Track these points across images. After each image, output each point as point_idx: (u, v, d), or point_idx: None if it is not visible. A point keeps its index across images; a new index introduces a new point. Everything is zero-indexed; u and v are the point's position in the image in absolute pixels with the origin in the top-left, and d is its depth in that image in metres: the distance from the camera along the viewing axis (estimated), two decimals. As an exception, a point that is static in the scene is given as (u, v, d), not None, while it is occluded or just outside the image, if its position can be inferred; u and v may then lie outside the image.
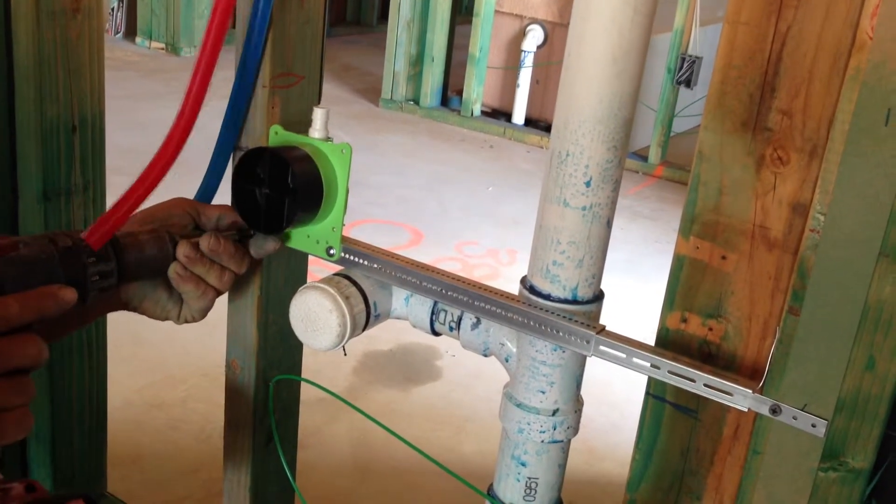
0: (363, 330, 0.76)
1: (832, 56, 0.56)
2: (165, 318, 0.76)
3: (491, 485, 0.77)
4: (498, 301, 0.70)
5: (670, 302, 0.67)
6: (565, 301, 0.68)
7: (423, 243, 2.54)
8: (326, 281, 0.75)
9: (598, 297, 0.70)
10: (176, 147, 0.71)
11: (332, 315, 0.72)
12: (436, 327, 0.77)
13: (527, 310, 0.68)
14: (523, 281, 0.71)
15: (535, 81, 3.88)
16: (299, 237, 0.77)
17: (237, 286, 0.87)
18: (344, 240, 0.76)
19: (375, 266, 0.75)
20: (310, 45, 0.82)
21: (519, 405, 0.72)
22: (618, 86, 0.63)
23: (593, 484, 1.52)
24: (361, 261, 0.76)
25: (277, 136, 0.76)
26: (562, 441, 0.73)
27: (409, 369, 1.82)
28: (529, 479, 0.74)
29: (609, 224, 0.68)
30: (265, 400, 0.90)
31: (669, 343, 0.67)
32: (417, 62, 4.08)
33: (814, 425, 0.57)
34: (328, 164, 0.74)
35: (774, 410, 0.59)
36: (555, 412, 0.71)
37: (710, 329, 0.66)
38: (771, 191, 0.61)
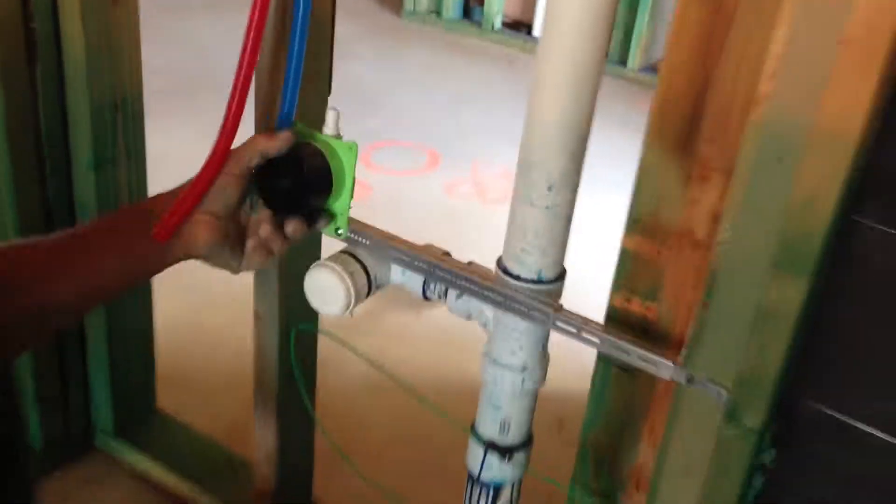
0: (366, 298, 0.91)
1: (743, 99, 0.68)
2: (224, 269, 0.89)
3: (473, 422, 0.93)
4: (475, 280, 0.84)
5: (617, 285, 0.81)
6: (532, 281, 0.82)
7: (440, 166, 2.66)
8: (334, 259, 0.89)
9: (560, 276, 0.84)
10: (226, 143, 0.83)
11: (340, 289, 0.87)
12: (427, 294, 0.92)
13: (499, 288, 0.83)
14: (499, 262, 0.85)
15: (557, -7, 3.87)
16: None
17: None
18: (350, 221, 0.90)
19: (375, 246, 0.89)
20: (322, 43, 0.94)
21: (495, 362, 0.87)
22: (574, 108, 0.75)
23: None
24: (364, 240, 0.90)
25: (299, 129, 0.89)
26: (530, 390, 0.88)
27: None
28: (503, 420, 0.90)
29: (569, 220, 0.81)
30: (287, 344, 1.06)
31: (616, 318, 0.81)
32: (439, -29, 4.08)
33: (718, 393, 0.72)
34: (337, 157, 0.87)
35: (689, 380, 0.74)
36: (524, 368, 0.86)
37: (648, 309, 0.80)
38: (697, 202, 0.74)
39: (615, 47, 3.69)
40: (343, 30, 3.94)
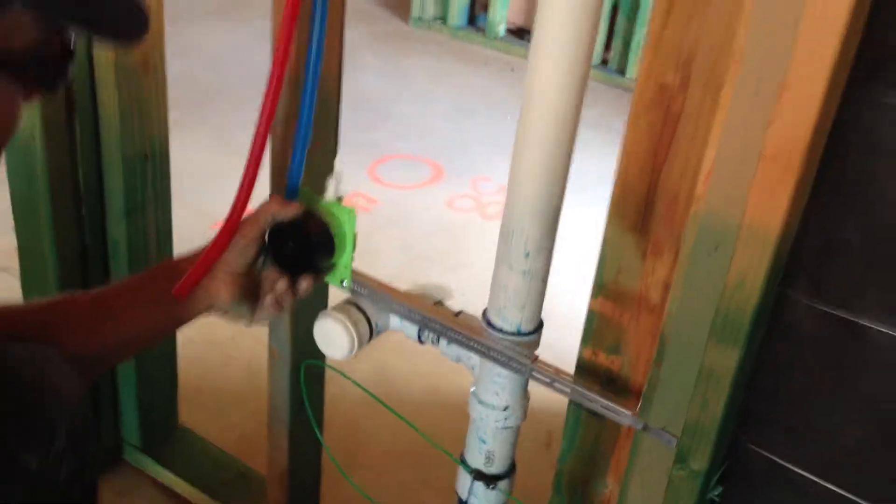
0: (368, 342, 1.03)
1: (687, 193, 0.79)
2: (239, 321, 1.00)
3: (462, 453, 1.05)
4: (462, 332, 0.96)
5: (586, 339, 0.93)
6: (512, 333, 0.94)
7: (443, 179, 2.77)
8: (339, 308, 1.01)
9: (538, 328, 0.95)
10: (240, 212, 0.95)
11: (344, 337, 0.99)
12: (422, 339, 1.03)
13: (483, 340, 0.94)
14: (484, 314, 0.97)
15: None
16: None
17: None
18: (353, 273, 1.02)
19: (376, 297, 1.01)
20: (328, 117, 1.05)
21: (480, 402, 0.99)
22: (548, 188, 0.87)
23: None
24: (366, 292, 1.01)
25: (304, 194, 1.00)
26: (512, 427, 1.00)
27: (424, 307, 2.10)
28: (488, 452, 1.02)
29: (544, 281, 0.93)
30: (298, 377, 1.18)
31: (585, 369, 0.93)
32: (446, -22, 4.17)
33: (669, 440, 0.84)
34: (338, 221, 0.99)
35: (645, 428, 0.85)
36: (506, 408, 0.98)
37: (612, 362, 0.91)
38: (651, 273, 0.85)
39: (614, 57, 3.78)
40: (352, 36, 4.03)
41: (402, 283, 2.23)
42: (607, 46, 3.82)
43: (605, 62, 3.84)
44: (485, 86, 3.63)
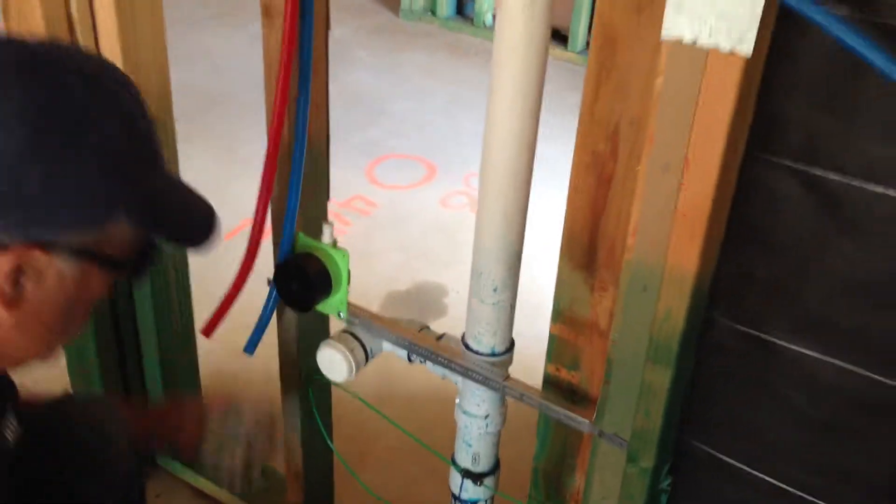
0: (365, 365, 1.18)
1: (622, 241, 0.93)
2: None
3: (453, 454, 1.21)
4: (444, 355, 1.11)
5: (549, 357, 1.08)
6: (487, 355, 1.09)
7: (436, 177, 2.91)
8: (338, 337, 1.16)
9: (509, 349, 1.11)
10: (250, 263, 1.10)
11: (343, 363, 1.15)
12: (412, 359, 1.19)
13: (462, 362, 1.10)
14: (462, 338, 1.12)
15: (545, -13, 4.05)
16: (321, 304, 1.18)
17: (286, 321, 1.29)
18: (349, 305, 1.17)
19: (369, 326, 1.16)
20: (319, 172, 1.20)
21: (464, 412, 1.15)
22: (508, 235, 1.01)
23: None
24: (360, 321, 1.17)
25: (301, 240, 1.15)
26: (493, 432, 1.16)
27: (422, 306, 2.25)
28: (474, 454, 1.17)
29: (512, 310, 1.08)
30: (307, 392, 1.34)
31: (551, 383, 1.08)
32: (432, -31, 4.26)
33: (620, 443, 0.99)
34: (334, 261, 1.14)
35: (600, 434, 1.01)
36: (486, 416, 1.14)
37: (573, 377, 1.06)
38: (599, 303, 1.00)
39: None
40: (344, 32, 4.14)
41: (401, 284, 2.40)
42: (590, 30, 3.92)
43: (589, 45, 3.93)
44: (477, 78, 3.74)
